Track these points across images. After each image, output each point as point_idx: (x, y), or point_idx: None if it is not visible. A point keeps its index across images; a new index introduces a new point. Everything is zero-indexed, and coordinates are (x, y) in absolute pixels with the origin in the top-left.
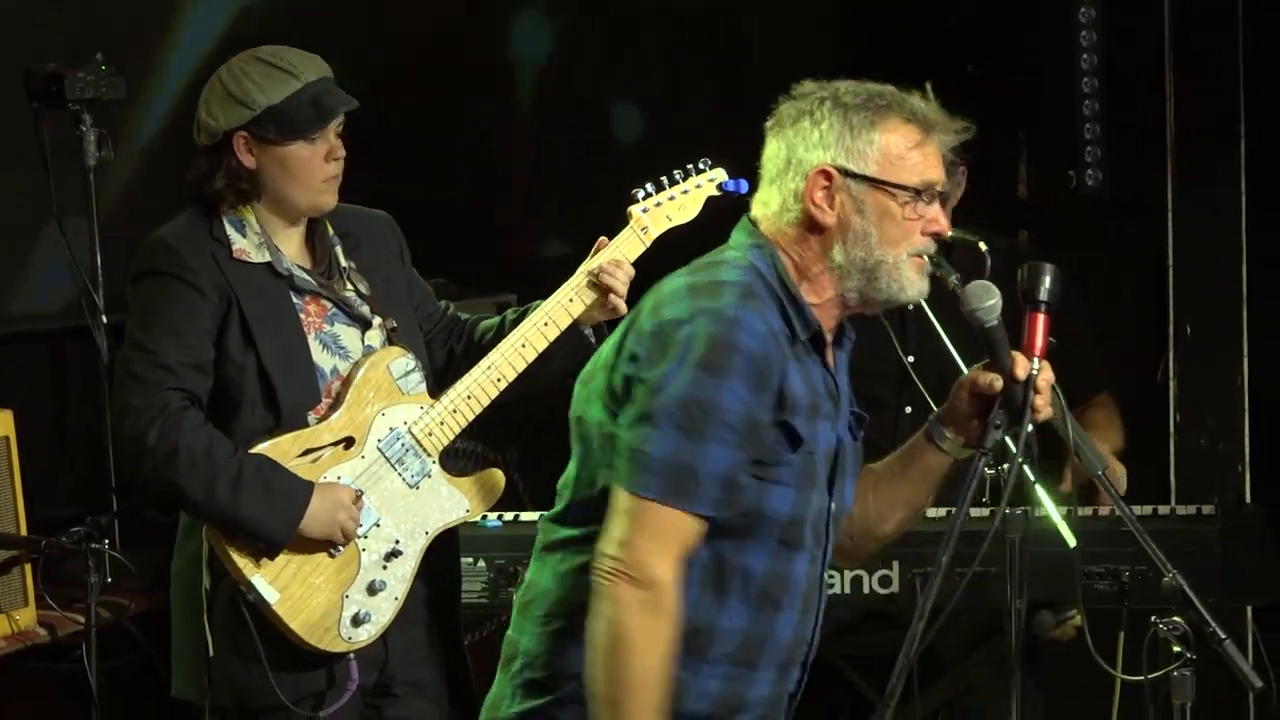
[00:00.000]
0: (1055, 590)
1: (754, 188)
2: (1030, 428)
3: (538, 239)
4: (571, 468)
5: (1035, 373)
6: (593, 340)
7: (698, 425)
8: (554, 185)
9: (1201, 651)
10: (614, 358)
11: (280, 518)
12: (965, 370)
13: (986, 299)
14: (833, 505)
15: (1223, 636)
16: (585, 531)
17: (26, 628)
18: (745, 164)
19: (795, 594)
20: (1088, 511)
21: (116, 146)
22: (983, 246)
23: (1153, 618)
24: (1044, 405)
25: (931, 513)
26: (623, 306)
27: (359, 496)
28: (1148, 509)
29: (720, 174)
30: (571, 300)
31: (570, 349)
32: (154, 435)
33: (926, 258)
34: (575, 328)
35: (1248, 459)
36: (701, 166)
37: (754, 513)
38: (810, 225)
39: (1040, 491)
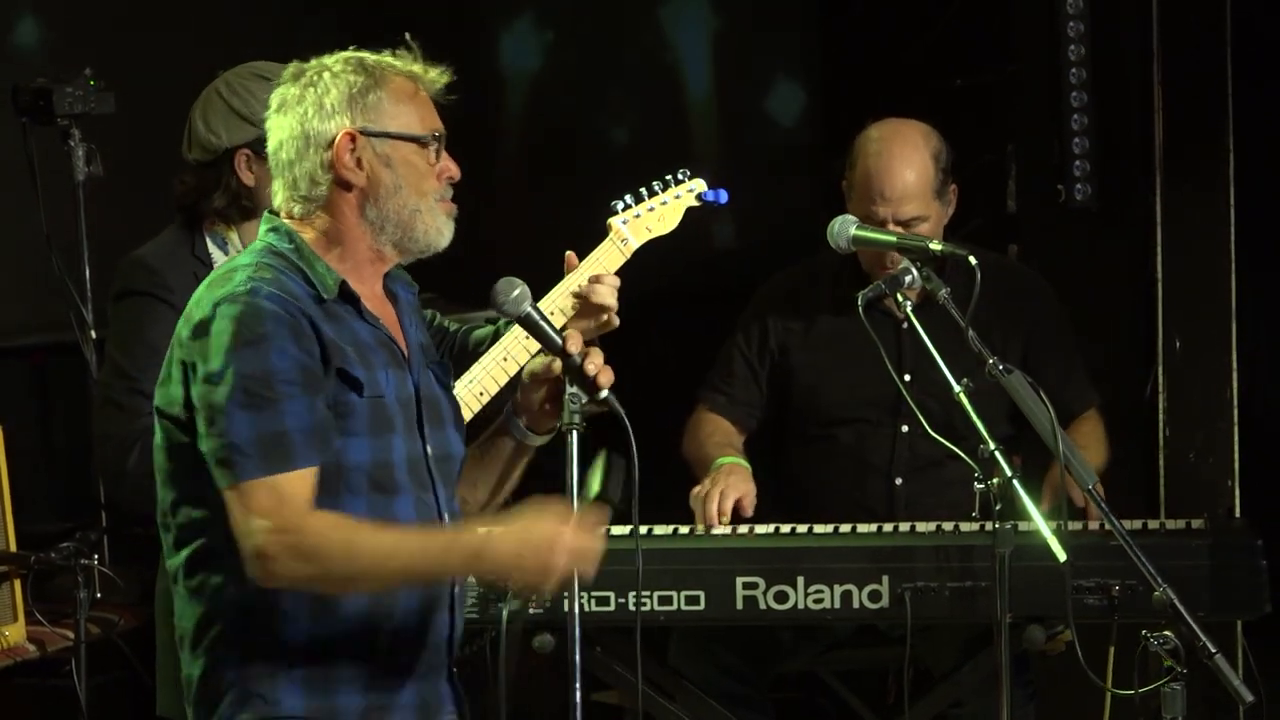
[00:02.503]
0: (1045, 605)
1: (732, 197)
2: (606, 393)
3: (528, 253)
4: (165, 504)
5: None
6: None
7: (263, 395)
8: (544, 200)
9: (1192, 666)
10: (166, 386)
11: None
12: (957, 387)
13: (511, 291)
14: (429, 449)
15: (1213, 650)
16: (197, 546)
17: (16, 644)
18: (724, 176)
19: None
20: (1077, 526)
21: (105, 162)
22: (972, 260)
23: (1143, 632)
24: (600, 366)
25: (921, 527)
26: (615, 319)
27: None
28: (1137, 523)
29: (700, 184)
30: (552, 313)
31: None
32: (133, 460)
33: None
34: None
35: (1237, 473)
36: (680, 177)
37: (333, 466)
38: (344, 189)
39: (1030, 506)
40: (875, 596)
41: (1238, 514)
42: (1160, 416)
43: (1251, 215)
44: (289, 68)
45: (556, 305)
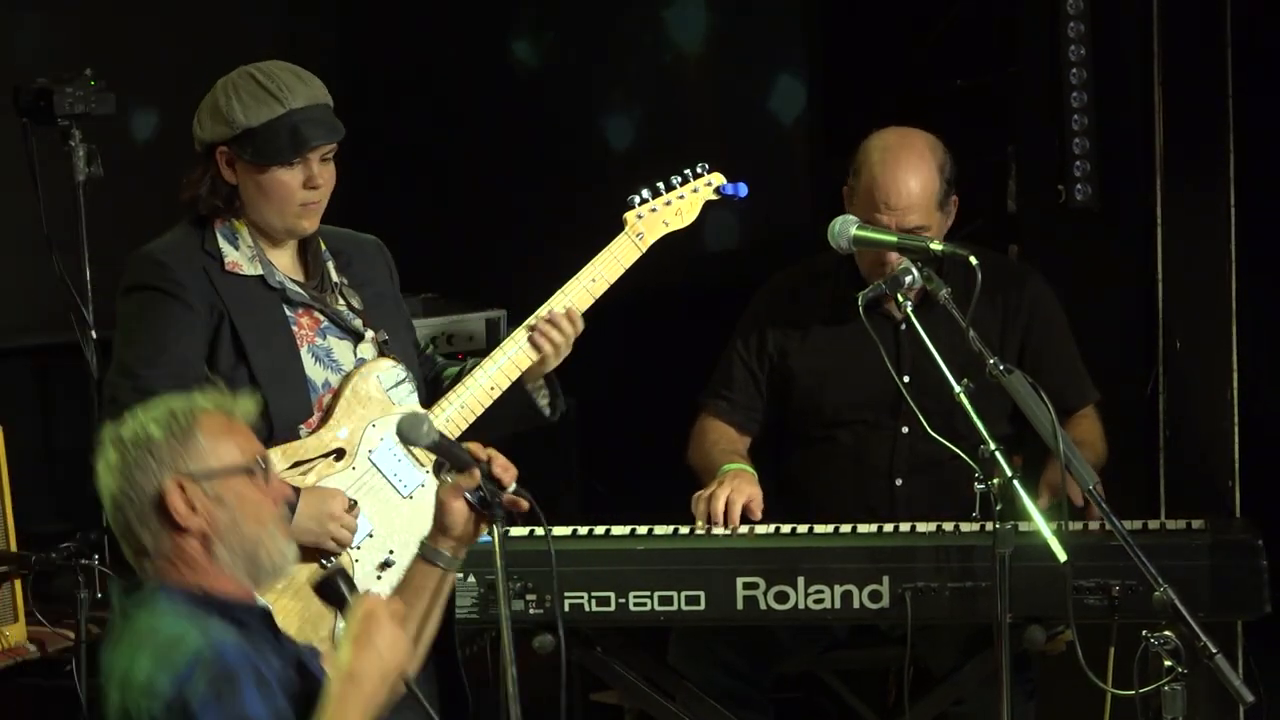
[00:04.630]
0: (1046, 605)
1: (752, 191)
2: (514, 485)
3: (528, 252)
4: None
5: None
6: (538, 399)
7: None
8: (543, 194)
9: (1192, 666)
10: None
11: None
12: (957, 387)
13: (420, 427)
14: None
15: (1213, 651)
16: None
17: (17, 644)
18: (741, 169)
19: None
20: (1078, 526)
21: (105, 162)
22: (973, 260)
23: (1143, 632)
24: (506, 465)
25: (921, 527)
26: (552, 361)
27: (354, 506)
28: (1137, 524)
29: (718, 178)
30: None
31: (518, 408)
32: None
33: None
34: (519, 386)
35: (1238, 474)
36: (699, 171)
37: None
38: (182, 537)
39: (1030, 506)
40: (875, 596)
41: (1238, 514)
42: (1161, 416)
43: (1252, 215)
44: (104, 433)
45: (571, 298)
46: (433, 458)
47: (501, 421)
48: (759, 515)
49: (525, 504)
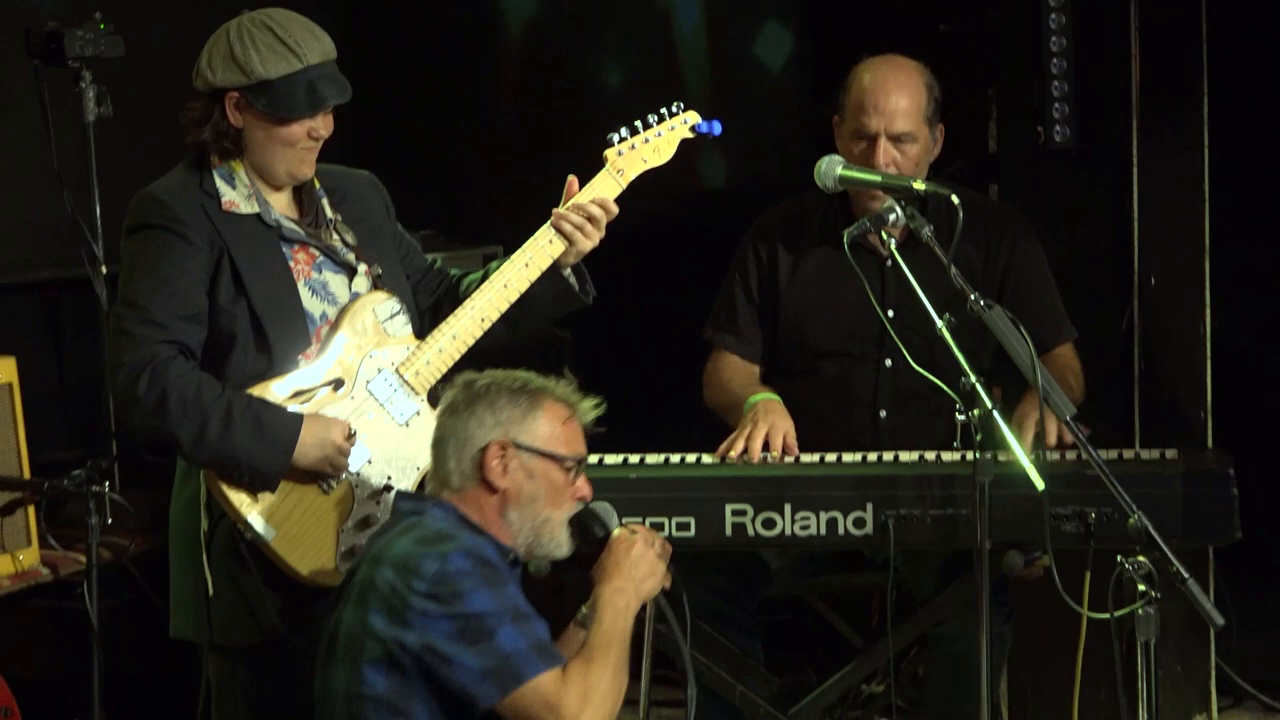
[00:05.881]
0: (1024, 531)
1: (720, 139)
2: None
3: (524, 189)
4: None
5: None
6: (573, 283)
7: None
8: (541, 132)
9: (1165, 590)
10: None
11: (273, 450)
12: (939, 321)
13: (610, 518)
14: None
15: (1185, 576)
16: None
17: (30, 567)
18: (718, 108)
19: None
20: (1055, 456)
21: (115, 103)
22: (955, 199)
23: (1118, 557)
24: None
25: (904, 457)
26: (588, 245)
27: (352, 434)
28: (1113, 453)
29: (693, 116)
30: (551, 242)
31: (554, 294)
32: (143, 385)
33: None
34: (555, 270)
35: (1210, 405)
36: (675, 110)
37: None
38: (486, 490)
39: (1009, 437)
40: (860, 523)
41: (1210, 445)
42: (1136, 350)
43: (1225, 157)
44: (461, 376)
45: (551, 228)
46: (426, 388)
47: (537, 309)
48: (795, 448)
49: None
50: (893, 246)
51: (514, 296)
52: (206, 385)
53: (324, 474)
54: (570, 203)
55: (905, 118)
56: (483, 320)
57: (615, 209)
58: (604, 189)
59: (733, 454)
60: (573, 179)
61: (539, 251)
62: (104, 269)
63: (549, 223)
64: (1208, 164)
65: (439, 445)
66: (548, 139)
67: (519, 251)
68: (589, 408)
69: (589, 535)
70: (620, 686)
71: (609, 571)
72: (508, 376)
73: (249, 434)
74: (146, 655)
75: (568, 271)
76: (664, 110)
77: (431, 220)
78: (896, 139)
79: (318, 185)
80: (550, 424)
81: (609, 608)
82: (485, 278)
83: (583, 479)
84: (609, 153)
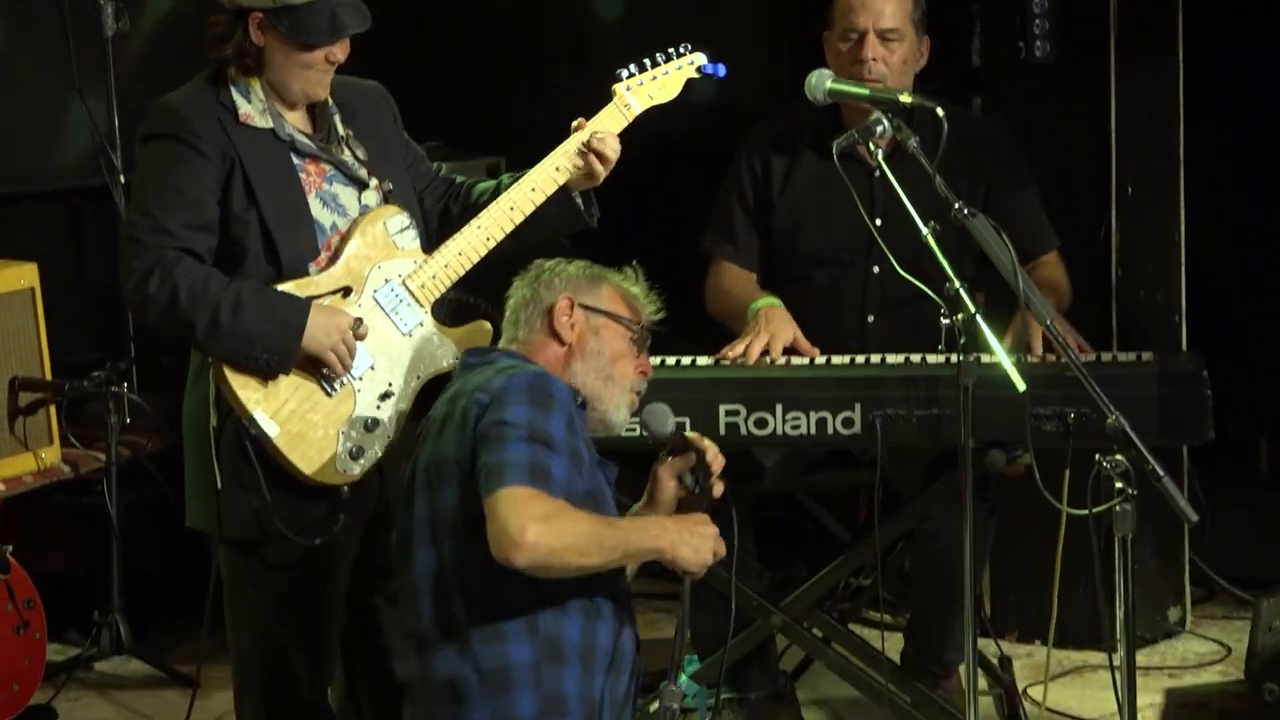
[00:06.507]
0: (1006, 431)
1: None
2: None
3: (526, 102)
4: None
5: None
6: (580, 205)
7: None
8: (544, 50)
9: (1141, 487)
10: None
11: (284, 329)
12: (924, 229)
13: (665, 420)
14: None
15: (1161, 474)
16: None
17: (52, 465)
18: (723, 50)
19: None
20: (1036, 358)
21: (133, 18)
22: (940, 112)
23: (1096, 456)
24: (718, 457)
25: (891, 359)
26: (603, 173)
27: (360, 323)
28: (1091, 356)
29: (700, 58)
30: (558, 169)
31: (561, 213)
32: (154, 284)
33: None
34: (564, 192)
35: (1184, 309)
36: (682, 50)
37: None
38: (553, 342)
39: (992, 340)
40: (848, 423)
41: (1184, 348)
42: (1113, 257)
43: (1199, 71)
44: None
45: (560, 154)
46: (430, 301)
47: (542, 225)
48: (812, 349)
49: (721, 492)
50: (880, 157)
51: (519, 218)
52: (214, 276)
53: (329, 369)
54: (589, 131)
55: (892, 15)
56: (488, 239)
57: (618, 146)
58: (610, 122)
59: (730, 355)
60: (580, 119)
61: (546, 179)
62: (121, 178)
63: (558, 150)
64: (1182, 78)
65: (512, 308)
66: (542, 68)
67: (527, 175)
68: (651, 308)
69: (659, 433)
70: (582, 555)
71: (679, 517)
72: (572, 260)
73: (259, 315)
74: (163, 549)
75: (576, 195)
76: (671, 50)
77: (439, 131)
78: (884, 36)
79: (330, 103)
80: (613, 295)
81: (651, 525)
82: (497, 190)
83: (645, 355)
84: (617, 87)
